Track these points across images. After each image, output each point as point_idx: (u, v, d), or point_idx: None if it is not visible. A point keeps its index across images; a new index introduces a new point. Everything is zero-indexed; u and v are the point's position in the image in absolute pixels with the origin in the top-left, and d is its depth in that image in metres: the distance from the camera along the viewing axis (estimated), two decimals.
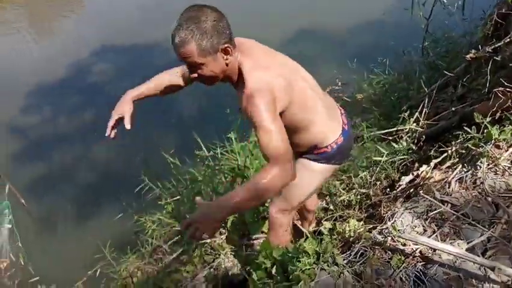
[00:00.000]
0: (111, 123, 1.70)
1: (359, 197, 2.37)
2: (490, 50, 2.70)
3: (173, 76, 1.79)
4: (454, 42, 3.85)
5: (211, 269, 2.42)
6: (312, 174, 1.75)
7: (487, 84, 2.50)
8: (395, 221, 1.69)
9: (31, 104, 5.81)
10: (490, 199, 1.73)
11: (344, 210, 2.25)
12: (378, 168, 2.33)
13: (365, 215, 2.13)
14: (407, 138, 2.54)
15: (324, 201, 2.67)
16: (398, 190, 2.07)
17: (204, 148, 3.22)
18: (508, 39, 2.63)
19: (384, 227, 1.66)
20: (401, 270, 1.50)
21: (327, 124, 1.68)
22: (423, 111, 2.75)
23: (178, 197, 3.01)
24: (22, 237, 3.71)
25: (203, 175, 3.10)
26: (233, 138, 3.08)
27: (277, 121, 1.41)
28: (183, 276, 2.56)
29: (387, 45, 4.59)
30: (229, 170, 2.98)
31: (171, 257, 2.65)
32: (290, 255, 1.75)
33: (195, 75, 1.45)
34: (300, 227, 2.38)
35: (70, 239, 3.87)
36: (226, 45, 1.40)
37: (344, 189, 2.52)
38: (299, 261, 1.66)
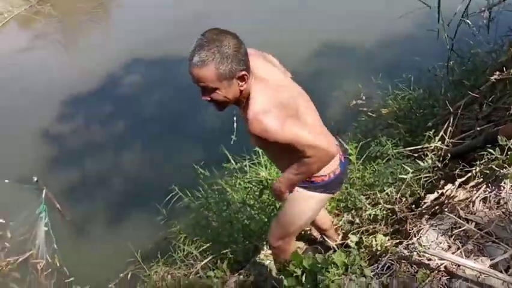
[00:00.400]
0: None
1: (384, 212, 2.45)
2: None
3: None
4: (480, 59, 3.89)
5: (241, 276, 2.54)
6: (307, 203, 1.82)
7: None
8: (420, 236, 1.78)
9: (65, 113, 6.12)
10: None
11: (370, 225, 2.34)
12: (403, 185, 2.41)
13: (391, 230, 2.21)
14: (432, 156, 2.61)
15: (350, 214, 2.77)
16: (423, 207, 2.15)
17: (231, 160, 3.37)
18: None
19: (410, 242, 1.75)
20: (426, 284, 1.59)
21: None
22: (449, 130, 2.81)
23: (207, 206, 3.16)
24: (57, 240, 3.93)
25: (231, 186, 3.24)
26: (259, 152, 3.22)
27: (293, 125, 1.50)
28: (213, 282, 2.68)
29: (412, 62, 4.65)
30: (257, 182, 3.11)
31: (201, 263, 2.78)
32: (320, 265, 1.87)
33: (208, 98, 1.47)
34: (328, 240, 2.49)
35: (103, 243, 4.08)
36: (243, 73, 1.43)
37: (369, 203, 2.61)
38: (328, 272, 1.77)
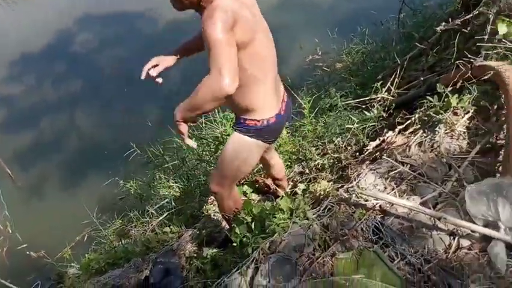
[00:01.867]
0: (146, 67, 1.86)
1: (331, 161, 2.56)
2: (459, 23, 2.84)
3: (192, 41, 1.94)
4: (431, 12, 3.97)
5: (195, 230, 2.61)
6: (240, 146, 1.84)
7: (454, 55, 2.66)
8: (359, 180, 1.88)
9: (16, 72, 5.78)
10: (444, 160, 1.93)
11: (317, 173, 2.44)
12: (349, 135, 2.50)
13: (336, 176, 2.32)
14: (378, 107, 2.71)
15: (301, 165, 2.87)
16: (365, 154, 2.26)
17: None
18: (477, 12, 2.77)
19: (350, 185, 1.85)
20: (362, 222, 1.70)
21: (269, 97, 1.76)
22: (395, 81, 2.91)
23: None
24: (9, 207, 3.81)
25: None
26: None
27: (229, 36, 1.45)
28: (169, 236, 2.75)
29: (368, 15, 4.66)
30: (213, 138, 3.12)
31: (157, 220, 2.82)
32: (267, 212, 1.95)
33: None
34: (279, 189, 2.58)
35: (57, 207, 4.01)
36: None
37: (318, 154, 2.70)
38: (275, 217, 1.86)
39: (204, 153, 3.10)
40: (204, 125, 3.37)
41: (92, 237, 3.15)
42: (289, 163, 2.92)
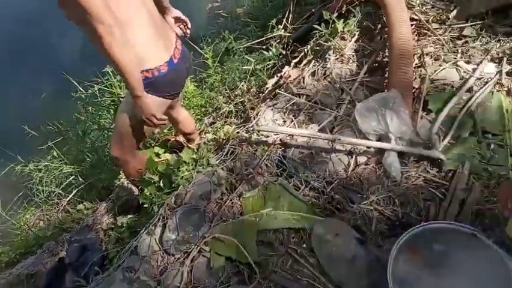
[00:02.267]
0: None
1: (239, 106, 2.52)
2: None
3: None
4: None
5: (110, 201, 2.47)
6: (132, 105, 1.67)
7: None
8: (258, 119, 1.86)
9: None
10: (337, 85, 1.98)
11: (225, 121, 2.39)
12: (248, 76, 2.47)
13: (241, 120, 2.30)
14: (276, 45, 2.68)
15: (211, 116, 2.80)
16: (265, 93, 2.25)
17: (80, 89, 3.05)
18: None
19: (249, 125, 1.83)
20: (265, 158, 1.70)
21: (151, 44, 1.61)
22: (290, 17, 2.88)
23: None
24: None
25: (85, 114, 2.98)
26: (110, 72, 2.96)
27: None
28: (84, 213, 2.58)
29: None
30: (111, 103, 2.91)
31: (66, 199, 2.63)
32: (172, 167, 1.88)
33: None
34: (189, 144, 2.50)
35: None
36: None
37: (225, 102, 2.65)
38: (180, 171, 1.79)
39: (104, 121, 2.89)
40: (98, 92, 3.11)
41: (5, 230, 2.86)
42: (199, 116, 2.84)
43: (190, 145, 2.48)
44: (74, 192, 2.65)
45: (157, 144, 2.69)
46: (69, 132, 3.01)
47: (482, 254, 1.28)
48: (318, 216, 1.55)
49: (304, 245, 1.48)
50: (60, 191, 2.68)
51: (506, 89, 1.94)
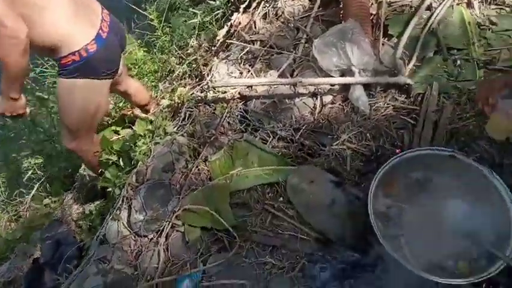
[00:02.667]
0: None
1: (193, 65, 2.34)
2: None
3: None
4: None
5: (75, 190, 2.33)
6: (71, 94, 1.55)
7: None
8: (212, 74, 1.71)
9: None
10: (291, 25, 1.83)
11: (179, 83, 2.23)
12: (203, 31, 2.27)
13: (196, 80, 2.14)
14: None
15: (166, 81, 2.62)
16: (217, 46, 2.08)
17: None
18: None
19: (203, 83, 1.68)
20: (226, 116, 1.58)
21: (72, 23, 1.44)
22: None
23: None
24: None
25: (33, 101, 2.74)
26: None
27: None
28: (52, 207, 2.44)
29: None
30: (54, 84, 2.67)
31: (29, 197, 2.46)
32: (128, 143, 1.73)
33: None
34: (148, 115, 2.34)
35: None
36: None
37: (178, 63, 2.46)
38: (137, 146, 1.65)
39: (53, 104, 2.66)
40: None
41: None
42: (154, 83, 2.65)
43: (148, 116, 2.32)
44: (36, 187, 2.48)
45: (113, 121, 2.51)
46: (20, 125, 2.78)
47: (464, 174, 1.24)
48: (290, 166, 1.46)
49: (281, 199, 1.40)
50: (22, 189, 2.51)
51: (466, 0, 1.85)
